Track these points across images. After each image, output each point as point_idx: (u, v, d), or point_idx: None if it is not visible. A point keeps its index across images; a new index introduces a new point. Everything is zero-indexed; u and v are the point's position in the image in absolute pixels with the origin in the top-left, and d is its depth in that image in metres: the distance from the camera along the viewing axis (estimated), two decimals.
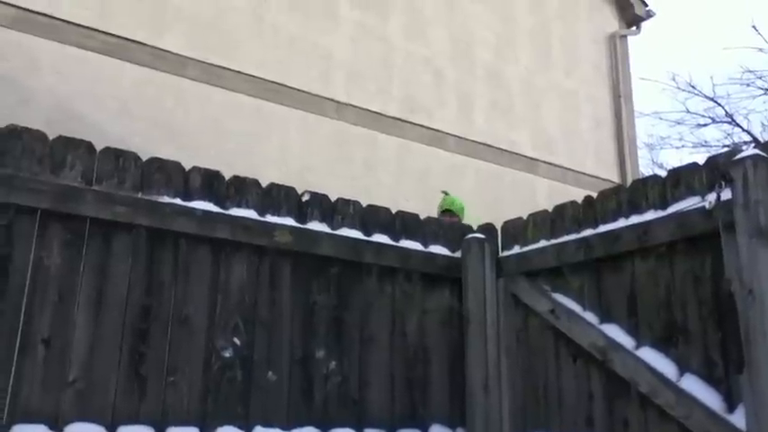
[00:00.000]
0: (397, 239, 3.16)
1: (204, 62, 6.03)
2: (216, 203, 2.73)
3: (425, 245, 3.25)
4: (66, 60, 5.41)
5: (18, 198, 2.33)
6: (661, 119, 16.78)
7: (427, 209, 3.70)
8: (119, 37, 5.66)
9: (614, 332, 2.77)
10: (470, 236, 3.30)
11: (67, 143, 2.49)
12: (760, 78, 12.89)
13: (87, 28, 5.53)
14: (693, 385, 2.46)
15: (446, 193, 5.61)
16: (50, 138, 2.47)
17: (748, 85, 13.09)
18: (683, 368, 2.54)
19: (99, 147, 2.57)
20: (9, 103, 4.83)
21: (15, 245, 2.33)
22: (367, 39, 7.07)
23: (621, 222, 2.82)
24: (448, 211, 5.25)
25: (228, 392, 2.61)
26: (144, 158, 2.65)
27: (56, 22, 5.41)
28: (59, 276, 2.38)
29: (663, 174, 2.83)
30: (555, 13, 8.88)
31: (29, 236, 2.35)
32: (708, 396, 2.42)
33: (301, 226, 2.90)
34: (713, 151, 13.04)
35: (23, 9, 5.28)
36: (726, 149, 6.61)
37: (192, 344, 2.58)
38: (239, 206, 2.79)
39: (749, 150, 2.43)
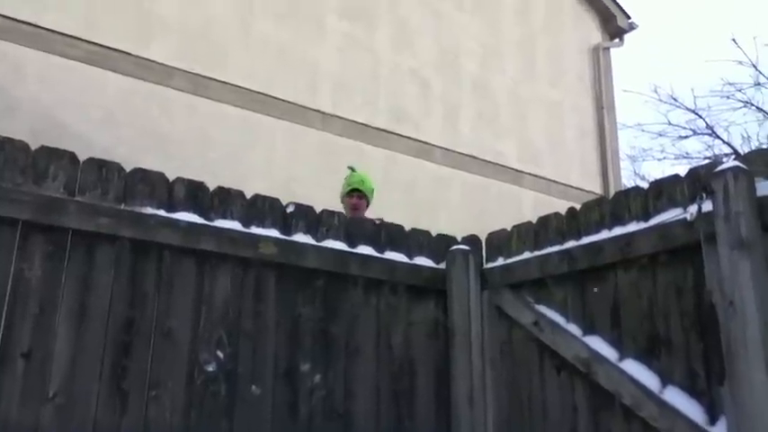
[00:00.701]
0: (381, 251, 3.16)
1: (191, 72, 6.03)
2: (200, 215, 2.71)
3: (410, 256, 3.25)
4: (50, 69, 5.38)
5: None
6: (643, 131, 16.98)
7: (414, 221, 3.70)
8: (104, 46, 5.65)
9: (598, 344, 2.77)
10: (455, 247, 3.31)
11: (50, 153, 2.47)
12: (740, 91, 13.11)
13: (72, 37, 5.52)
14: (676, 397, 2.47)
15: (353, 169, 4.55)
16: (33, 148, 2.45)
17: (728, 97, 13.25)
18: (665, 380, 2.55)
19: (84, 156, 2.55)
20: None
21: None
22: (354, 50, 7.10)
23: (604, 234, 2.84)
24: (356, 191, 4.37)
25: (212, 406, 2.58)
26: (129, 168, 2.63)
27: (40, 31, 5.39)
28: (40, 288, 2.35)
29: (645, 185, 2.86)
30: (540, 25, 8.97)
31: (9, 247, 2.32)
32: (690, 408, 2.43)
33: (286, 238, 2.89)
34: (694, 163, 13.20)
35: (8, 18, 5.26)
36: (707, 161, 6.70)
37: (176, 357, 2.55)
38: (224, 217, 2.77)
39: (730, 162, 2.46)
